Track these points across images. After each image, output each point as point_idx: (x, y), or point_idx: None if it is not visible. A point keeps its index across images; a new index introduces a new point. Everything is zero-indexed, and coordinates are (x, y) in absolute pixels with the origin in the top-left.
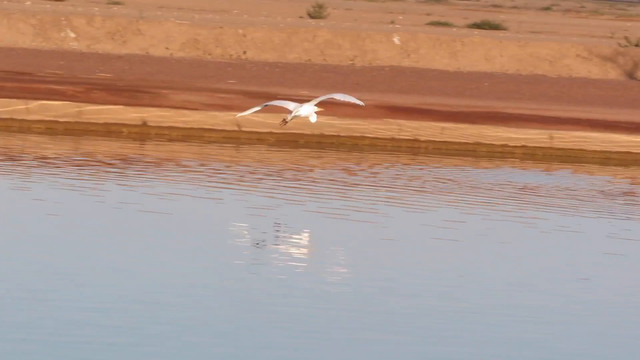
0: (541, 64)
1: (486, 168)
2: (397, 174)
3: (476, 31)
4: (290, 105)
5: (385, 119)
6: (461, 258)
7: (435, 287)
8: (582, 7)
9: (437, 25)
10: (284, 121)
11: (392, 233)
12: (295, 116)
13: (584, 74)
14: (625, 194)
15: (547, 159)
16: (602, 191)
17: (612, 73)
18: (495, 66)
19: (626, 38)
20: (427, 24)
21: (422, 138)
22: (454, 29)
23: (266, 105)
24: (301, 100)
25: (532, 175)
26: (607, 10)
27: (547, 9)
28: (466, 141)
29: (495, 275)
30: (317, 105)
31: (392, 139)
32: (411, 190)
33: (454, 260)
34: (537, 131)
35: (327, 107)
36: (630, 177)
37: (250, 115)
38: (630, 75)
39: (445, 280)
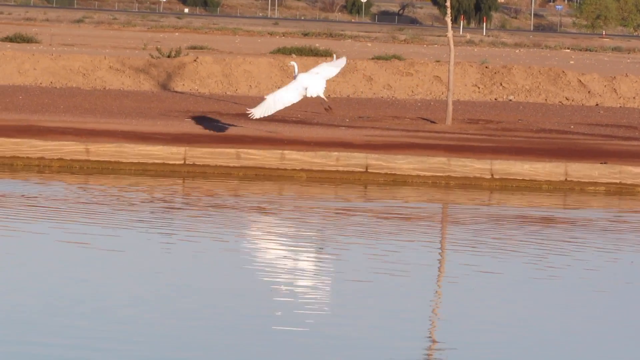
0: (74, 76)
1: (23, 180)
2: None
3: (9, 44)
4: (294, 92)
5: None
6: None
7: None
8: (115, 19)
9: None
10: (328, 108)
11: None
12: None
13: (117, 86)
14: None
15: (85, 171)
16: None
17: (146, 84)
18: (29, 79)
19: (158, 49)
20: None
21: None
22: None
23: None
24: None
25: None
26: (140, 22)
27: (79, 21)
28: (2, 155)
29: None
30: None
31: None
32: None
33: None
34: (73, 144)
35: None
36: (168, 185)
37: None
38: (164, 87)
39: None
